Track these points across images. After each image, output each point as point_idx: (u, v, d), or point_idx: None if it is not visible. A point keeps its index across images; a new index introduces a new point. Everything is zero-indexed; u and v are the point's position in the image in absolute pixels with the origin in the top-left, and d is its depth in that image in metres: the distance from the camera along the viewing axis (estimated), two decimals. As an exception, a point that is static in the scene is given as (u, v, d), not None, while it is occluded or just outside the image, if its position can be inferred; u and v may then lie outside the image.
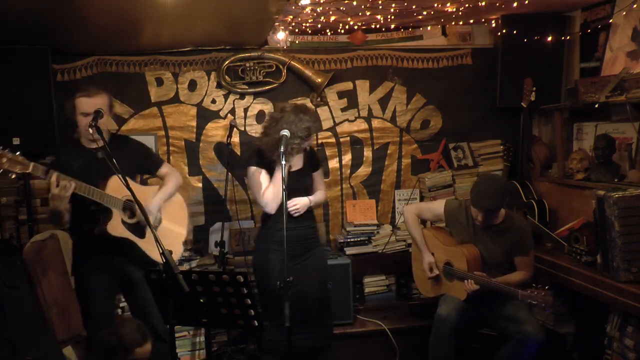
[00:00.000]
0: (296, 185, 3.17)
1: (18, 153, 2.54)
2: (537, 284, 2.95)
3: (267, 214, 3.22)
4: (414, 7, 3.46)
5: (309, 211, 3.28)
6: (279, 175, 3.13)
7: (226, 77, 4.02)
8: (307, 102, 4.16)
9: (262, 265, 3.20)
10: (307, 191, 3.27)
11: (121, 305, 3.60)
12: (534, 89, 3.79)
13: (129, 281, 3.01)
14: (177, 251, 3.19)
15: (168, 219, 3.16)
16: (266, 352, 3.28)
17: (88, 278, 2.97)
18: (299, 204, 3.17)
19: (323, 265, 3.36)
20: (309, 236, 3.27)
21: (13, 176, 2.57)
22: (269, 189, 3.17)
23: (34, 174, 2.60)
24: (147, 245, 2.92)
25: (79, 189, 2.69)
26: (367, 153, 4.31)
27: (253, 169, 3.20)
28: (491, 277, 3.11)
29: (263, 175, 3.19)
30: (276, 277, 2.88)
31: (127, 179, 2.63)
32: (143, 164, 3.17)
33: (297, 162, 3.29)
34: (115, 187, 2.81)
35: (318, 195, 3.34)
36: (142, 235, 2.94)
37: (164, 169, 3.22)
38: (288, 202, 3.14)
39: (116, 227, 2.84)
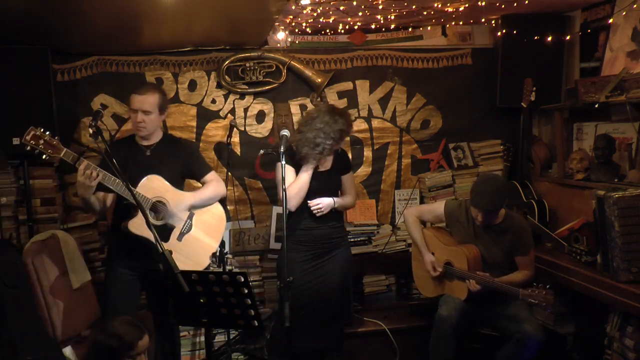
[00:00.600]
0: (322, 185, 3.21)
1: (57, 137, 2.70)
2: (537, 283, 2.95)
3: (291, 213, 3.21)
4: (414, 7, 3.46)
5: (335, 212, 3.30)
6: (304, 175, 3.17)
7: (226, 77, 4.02)
8: (307, 102, 4.17)
9: (285, 264, 3.19)
10: (334, 192, 3.31)
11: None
12: (534, 89, 3.79)
13: (150, 282, 3.05)
14: (203, 263, 3.12)
15: (201, 228, 3.12)
16: (273, 352, 3.29)
17: (114, 271, 3.06)
18: (322, 203, 3.21)
19: (347, 265, 3.38)
20: (333, 236, 3.30)
21: (46, 157, 2.71)
22: (292, 185, 3.17)
23: (64, 159, 2.72)
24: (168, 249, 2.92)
25: (105, 179, 2.76)
26: (367, 153, 4.31)
27: (280, 164, 3.18)
28: (492, 277, 3.11)
29: (290, 173, 3.21)
30: (297, 277, 2.93)
31: (127, 182, 2.63)
32: (188, 168, 3.18)
33: (326, 163, 3.31)
34: (148, 186, 2.89)
35: (345, 198, 3.38)
36: (165, 239, 2.95)
37: (209, 177, 3.21)
38: (311, 201, 3.16)
39: (138, 225, 2.85)
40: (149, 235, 2.86)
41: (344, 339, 3.48)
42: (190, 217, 3.09)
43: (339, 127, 3.15)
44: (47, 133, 2.69)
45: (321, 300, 3.21)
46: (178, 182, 3.13)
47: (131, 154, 3.02)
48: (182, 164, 3.14)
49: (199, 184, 3.29)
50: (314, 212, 3.19)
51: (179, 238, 3.05)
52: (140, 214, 2.83)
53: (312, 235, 3.20)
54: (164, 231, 2.97)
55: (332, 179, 3.32)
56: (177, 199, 3.02)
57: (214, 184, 3.20)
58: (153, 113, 3.01)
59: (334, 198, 3.28)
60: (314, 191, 3.22)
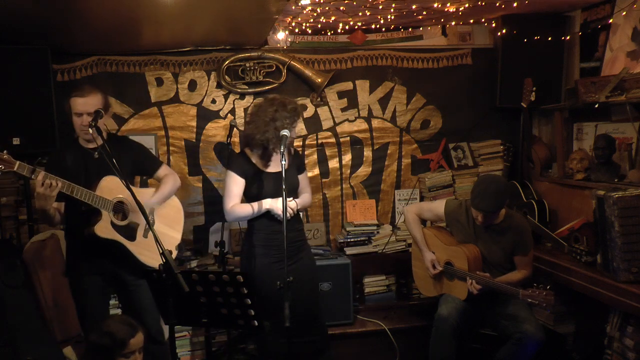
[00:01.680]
0: (279, 186, 2.97)
1: (5, 151, 2.54)
2: (538, 283, 2.95)
3: (256, 217, 3.13)
4: (414, 7, 3.46)
5: (297, 214, 3.21)
6: (253, 209, 3.06)
7: (226, 77, 4.02)
8: (307, 102, 4.17)
9: (259, 271, 3.11)
10: (294, 193, 3.20)
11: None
12: (534, 89, 3.79)
13: (121, 283, 2.97)
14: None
15: (163, 222, 3.11)
16: (266, 356, 3.26)
17: (82, 280, 2.93)
18: (292, 208, 3.08)
19: (314, 266, 3.33)
20: (298, 238, 3.21)
21: None
22: (242, 208, 3.09)
23: (19, 172, 2.58)
24: (137, 248, 2.89)
25: (65, 188, 2.66)
26: (367, 153, 4.31)
27: (230, 173, 3.13)
28: (492, 277, 3.11)
29: (238, 185, 3.10)
30: (270, 281, 2.85)
31: (126, 180, 2.62)
32: (141, 165, 3.13)
33: (278, 163, 3.15)
34: (107, 187, 2.79)
35: (304, 198, 3.27)
36: (132, 238, 2.90)
37: (163, 171, 3.16)
38: (275, 206, 3.07)
39: (104, 229, 2.79)
40: (118, 237, 2.84)
41: (328, 339, 3.44)
42: (151, 212, 3.05)
43: (289, 110, 3.00)
44: None
45: (297, 301, 3.11)
46: (130, 181, 3.03)
47: (78, 158, 2.90)
48: (132, 162, 3.05)
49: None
50: (278, 216, 3.04)
51: (145, 235, 2.98)
52: (104, 218, 2.79)
53: (279, 240, 2.98)
54: (129, 230, 2.90)
55: (291, 179, 3.17)
56: (140, 197, 2.91)
57: (170, 178, 3.14)
58: (92, 115, 2.86)
59: (296, 199, 3.15)
60: (270, 193, 3.09)
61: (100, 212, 2.79)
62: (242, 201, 3.19)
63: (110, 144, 2.87)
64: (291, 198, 3.11)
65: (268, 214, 3.11)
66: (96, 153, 2.88)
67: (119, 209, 2.88)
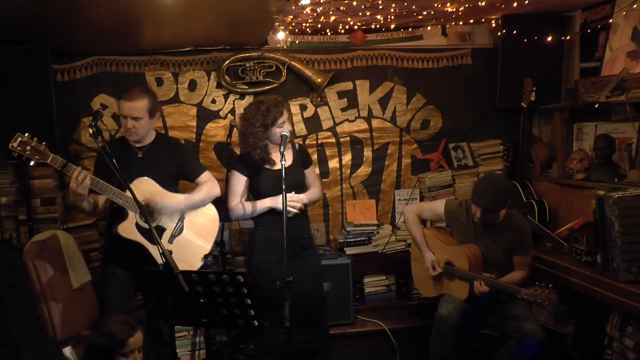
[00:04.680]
0: (281, 183, 3.09)
1: (44, 143, 2.67)
2: (539, 283, 2.95)
3: (260, 215, 3.18)
4: (414, 7, 3.46)
5: (303, 210, 3.24)
6: (255, 208, 3.13)
7: (226, 77, 4.02)
8: (307, 102, 4.17)
9: (259, 266, 3.16)
10: (299, 188, 3.22)
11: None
12: (534, 89, 3.79)
13: (146, 280, 3.01)
14: (194, 264, 3.08)
15: (193, 230, 3.10)
16: (265, 353, 3.27)
17: (109, 274, 3.05)
18: (298, 201, 3.11)
19: (318, 265, 3.34)
20: (304, 236, 3.24)
21: (32, 163, 2.68)
22: (244, 206, 3.15)
23: (52, 165, 2.68)
24: (158, 253, 2.90)
25: (94, 185, 2.73)
26: (367, 153, 4.31)
27: (234, 172, 3.21)
28: (496, 278, 3.11)
29: (241, 184, 3.16)
30: (272, 278, 2.86)
31: (126, 180, 2.63)
32: (181, 169, 3.15)
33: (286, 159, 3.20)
34: (139, 188, 2.82)
35: (312, 192, 3.30)
36: (155, 241, 2.93)
37: (203, 177, 3.17)
38: (292, 196, 3.10)
39: (128, 229, 2.85)
40: (139, 238, 2.88)
41: (329, 338, 3.44)
42: (181, 219, 3.07)
43: (264, 108, 3.07)
44: (34, 139, 2.65)
45: (300, 299, 3.14)
46: (171, 184, 3.08)
47: (123, 155, 2.96)
48: (175, 165, 3.10)
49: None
50: (289, 212, 3.05)
51: (170, 240, 3.03)
52: (129, 218, 2.86)
53: (281, 237, 3.07)
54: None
55: (294, 175, 3.18)
56: (167, 202, 2.99)
57: (208, 185, 3.15)
58: (143, 118, 2.97)
59: (302, 195, 3.18)
60: (271, 192, 3.13)
61: (127, 212, 2.86)
62: (249, 198, 3.21)
63: (154, 143, 3.02)
64: (292, 192, 3.11)
65: (272, 211, 3.12)
66: (140, 152, 2.95)
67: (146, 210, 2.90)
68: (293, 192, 3.13)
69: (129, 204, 2.83)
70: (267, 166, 3.17)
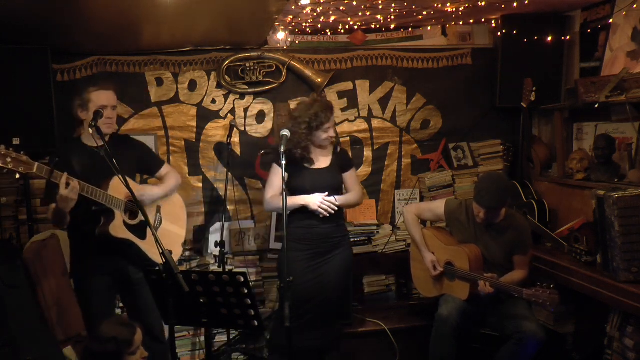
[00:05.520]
0: (317, 183, 3.18)
1: (22, 153, 2.53)
2: (541, 283, 2.95)
3: (294, 212, 3.23)
4: (414, 7, 3.46)
5: (336, 210, 3.27)
6: (293, 202, 3.18)
7: (226, 77, 4.02)
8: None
9: (285, 261, 3.20)
10: (334, 191, 3.26)
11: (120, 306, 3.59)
12: (534, 89, 3.79)
13: (128, 282, 2.98)
14: (177, 252, 3.19)
15: (168, 220, 3.16)
16: (274, 351, 3.29)
17: (88, 280, 2.93)
18: (327, 205, 3.16)
19: (347, 266, 3.35)
20: (334, 235, 3.28)
21: (17, 176, 2.56)
22: (275, 199, 3.23)
23: (38, 174, 2.58)
24: (148, 247, 2.92)
25: (84, 190, 2.67)
26: (367, 153, 4.31)
27: (274, 166, 3.30)
28: (498, 278, 3.11)
29: (278, 178, 3.22)
30: (297, 275, 2.92)
31: (127, 178, 2.63)
32: (143, 164, 3.15)
33: (322, 161, 3.29)
34: (117, 187, 2.80)
35: (348, 196, 3.34)
36: (143, 236, 2.93)
37: (164, 170, 3.20)
38: (326, 199, 3.16)
39: (118, 228, 2.83)
40: (131, 236, 2.87)
41: (341, 340, 3.47)
42: (158, 211, 3.10)
43: (312, 112, 3.14)
44: (11, 149, 2.50)
45: (320, 299, 3.20)
46: (131, 178, 3.03)
47: (86, 157, 2.88)
48: (135, 161, 3.07)
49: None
50: (319, 213, 3.15)
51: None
52: (117, 217, 2.81)
53: (312, 234, 3.19)
54: (140, 230, 2.92)
55: (329, 177, 3.27)
56: (146, 193, 2.99)
57: (173, 176, 3.19)
58: (115, 108, 2.95)
59: (336, 196, 3.24)
60: (306, 190, 3.20)
61: (114, 212, 2.80)
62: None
63: (113, 142, 2.90)
64: (326, 193, 3.19)
65: (304, 209, 3.15)
66: (101, 152, 2.88)
67: (129, 208, 2.90)
68: (326, 193, 3.19)
69: (116, 203, 2.80)
70: (306, 165, 3.23)
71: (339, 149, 3.39)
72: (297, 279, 2.96)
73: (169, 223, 3.15)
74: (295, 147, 3.18)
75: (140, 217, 2.91)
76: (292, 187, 3.25)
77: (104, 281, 2.94)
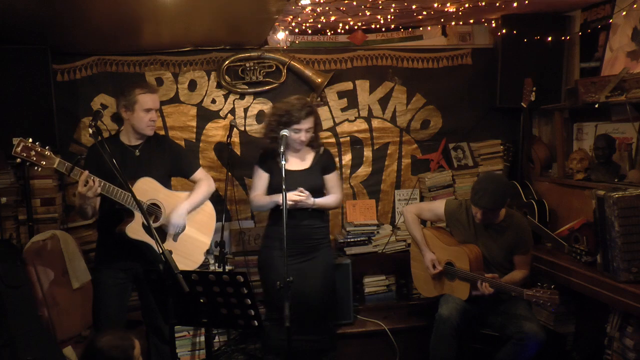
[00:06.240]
0: (297, 184, 3.15)
1: (47, 147, 2.62)
2: (541, 283, 2.95)
3: (272, 211, 3.26)
4: (414, 7, 3.45)
5: (315, 211, 3.27)
6: (272, 201, 3.22)
7: (226, 77, 4.02)
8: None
9: (266, 262, 3.22)
10: (314, 192, 3.24)
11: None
12: (534, 89, 3.79)
13: (142, 282, 3.02)
14: (198, 260, 3.16)
15: (194, 227, 3.14)
16: (269, 351, 3.28)
17: (104, 274, 3.02)
18: (298, 198, 3.13)
19: (327, 267, 3.34)
20: (313, 236, 3.26)
21: (39, 169, 2.63)
22: (259, 198, 3.27)
23: (58, 170, 2.65)
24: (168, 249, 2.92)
25: (104, 189, 2.72)
26: (367, 153, 4.31)
27: (256, 168, 3.33)
28: (499, 278, 3.11)
29: (262, 179, 3.29)
30: (277, 275, 2.89)
31: (127, 181, 2.63)
32: (178, 166, 3.18)
33: (300, 162, 3.29)
34: (142, 189, 2.85)
35: (327, 198, 3.33)
36: (162, 240, 2.92)
37: (199, 175, 3.22)
38: (295, 193, 3.15)
39: (136, 230, 2.85)
40: (147, 239, 2.88)
41: (336, 338, 3.45)
42: (183, 219, 3.09)
43: (287, 108, 3.15)
44: (37, 143, 2.60)
45: (302, 299, 3.15)
46: (166, 181, 3.12)
47: (119, 154, 2.96)
48: (171, 162, 3.13)
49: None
50: (289, 203, 3.09)
51: (175, 238, 3.06)
52: (136, 219, 2.85)
53: (294, 233, 3.10)
54: (160, 233, 2.96)
55: (309, 178, 3.25)
56: (170, 200, 3.02)
57: (205, 183, 3.20)
58: (157, 112, 3.05)
59: (315, 199, 3.21)
60: (287, 189, 3.11)
61: (133, 213, 2.84)
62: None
63: (148, 142, 3.02)
64: (306, 194, 3.17)
65: (278, 210, 3.19)
66: (137, 151, 2.94)
67: (152, 211, 2.94)
68: (300, 189, 3.19)
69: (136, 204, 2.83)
70: (278, 160, 3.22)
71: (322, 151, 3.37)
72: (279, 278, 2.95)
73: (194, 230, 3.14)
74: (265, 136, 3.24)
75: (162, 222, 2.97)
76: (272, 188, 3.28)
77: (119, 277, 3.01)
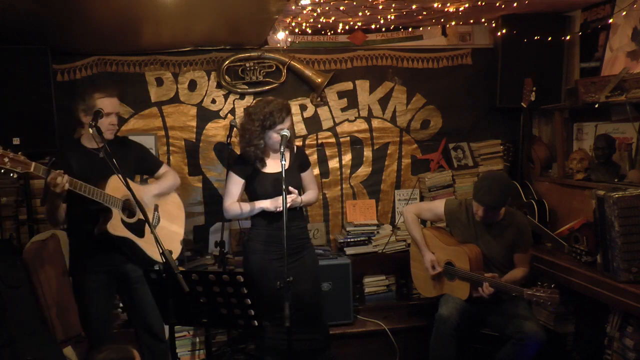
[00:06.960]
0: (280, 187, 2.98)
1: (20, 153, 2.53)
2: (541, 283, 2.95)
3: (255, 215, 3.19)
4: (414, 7, 3.46)
5: (299, 210, 3.25)
6: (253, 209, 3.15)
7: (226, 77, 4.02)
8: (307, 102, 4.17)
9: (258, 266, 3.17)
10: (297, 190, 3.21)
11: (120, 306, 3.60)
12: (534, 89, 3.79)
13: (127, 281, 2.99)
14: (176, 250, 3.20)
15: (166, 218, 3.17)
16: (265, 352, 3.27)
17: (87, 279, 2.93)
18: (292, 198, 3.10)
19: (315, 266, 3.33)
20: (300, 236, 3.24)
21: (15, 175, 2.56)
22: (236, 206, 3.17)
23: (35, 174, 2.59)
24: (146, 244, 2.92)
25: (78, 187, 2.68)
26: (367, 153, 4.31)
27: (230, 174, 3.23)
28: (499, 278, 3.11)
29: (237, 185, 3.19)
30: (271, 278, 2.88)
31: (127, 179, 2.64)
32: (142, 165, 3.17)
33: (279, 164, 3.21)
34: (115, 186, 2.81)
35: (308, 195, 3.33)
36: (141, 234, 2.94)
37: (163, 170, 3.22)
38: (272, 204, 3.11)
39: (116, 226, 2.83)
40: (128, 234, 2.87)
41: (330, 338, 3.45)
42: (156, 209, 3.11)
43: (267, 110, 3.06)
44: (8, 150, 2.50)
45: (298, 299, 3.11)
46: (131, 179, 3.07)
47: (84, 158, 2.91)
48: (135, 161, 3.11)
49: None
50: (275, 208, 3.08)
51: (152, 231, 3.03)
52: (115, 216, 2.82)
53: (279, 237, 2.99)
54: (138, 228, 2.93)
55: (290, 178, 3.16)
56: (141, 193, 2.99)
57: (171, 175, 3.22)
58: (117, 115, 3.01)
59: (300, 196, 3.20)
60: (269, 195, 3.13)
61: (111, 210, 2.82)
62: (245, 200, 3.22)
63: (112, 144, 2.91)
64: (295, 194, 3.13)
65: (266, 213, 3.13)
66: (101, 153, 2.90)
67: (126, 206, 2.91)
68: (295, 194, 3.15)
69: (114, 202, 2.81)
70: (264, 170, 3.18)
71: (295, 149, 3.32)
72: (265, 283, 2.94)
73: (167, 222, 3.16)
74: (249, 145, 3.13)
75: (139, 216, 2.92)
76: (252, 193, 3.21)
77: (102, 279, 2.94)
